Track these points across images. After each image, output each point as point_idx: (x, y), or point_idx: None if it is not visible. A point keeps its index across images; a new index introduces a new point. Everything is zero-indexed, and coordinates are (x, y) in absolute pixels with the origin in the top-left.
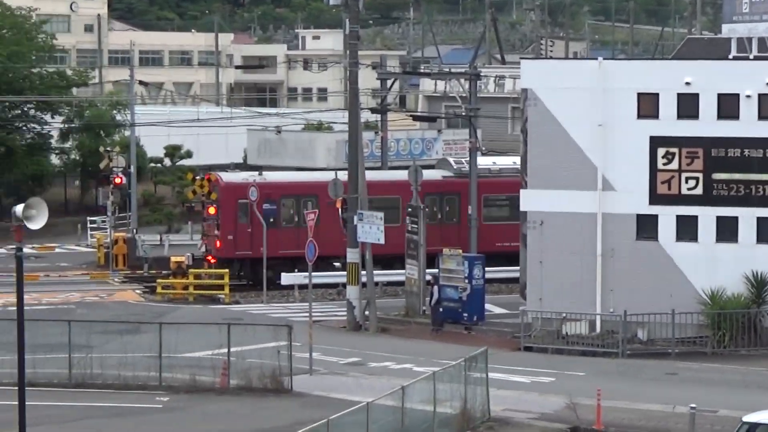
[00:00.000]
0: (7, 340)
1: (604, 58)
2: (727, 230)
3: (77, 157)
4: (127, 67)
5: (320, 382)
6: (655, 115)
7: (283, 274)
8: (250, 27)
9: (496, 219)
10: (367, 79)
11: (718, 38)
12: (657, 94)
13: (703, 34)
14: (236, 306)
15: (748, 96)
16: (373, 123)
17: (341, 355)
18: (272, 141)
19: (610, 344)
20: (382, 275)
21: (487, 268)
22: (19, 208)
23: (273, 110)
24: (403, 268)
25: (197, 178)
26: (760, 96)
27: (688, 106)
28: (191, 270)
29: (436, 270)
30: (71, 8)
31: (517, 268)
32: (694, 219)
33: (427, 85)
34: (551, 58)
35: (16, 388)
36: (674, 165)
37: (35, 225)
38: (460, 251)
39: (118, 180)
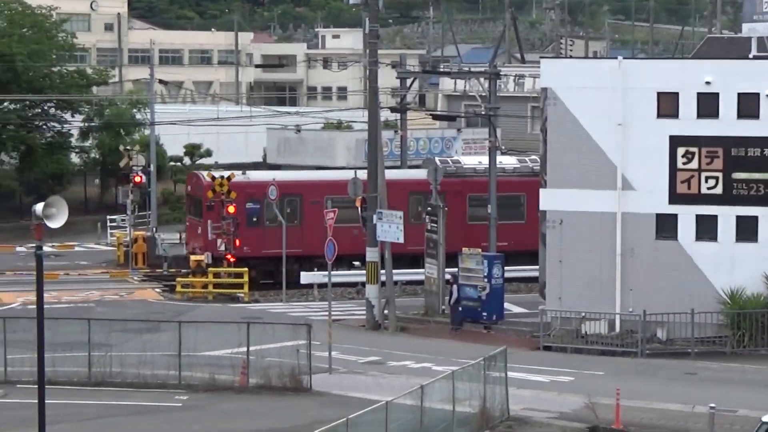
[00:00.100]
0: (27, 338)
1: (624, 58)
2: (746, 230)
3: (97, 156)
4: (147, 66)
5: (339, 381)
6: (674, 115)
7: (302, 273)
8: (270, 26)
9: (482, 219)
10: (387, 78)
11: (738, 37)
12: (677, 94)
13: (723, 33)
14: (255, 305)
15: None
16: (392, 122)
17: (360, 354)
18: (292, 140)
19: (630, 344)
20: (400, 275)
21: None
22: (39, 207)
23: (293, 109)
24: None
25: (215, 177)
26: None
27: (707, 105)
28: (210, 269)
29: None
30: (91, 7)
31: (534, 267)
32: (713, 218)
33: (446, 84)
34: (571, 57)
35: (36, 386)
36: (694, 164)
37: (55, 223)
38: (479, 250)
39: (137, 179)
